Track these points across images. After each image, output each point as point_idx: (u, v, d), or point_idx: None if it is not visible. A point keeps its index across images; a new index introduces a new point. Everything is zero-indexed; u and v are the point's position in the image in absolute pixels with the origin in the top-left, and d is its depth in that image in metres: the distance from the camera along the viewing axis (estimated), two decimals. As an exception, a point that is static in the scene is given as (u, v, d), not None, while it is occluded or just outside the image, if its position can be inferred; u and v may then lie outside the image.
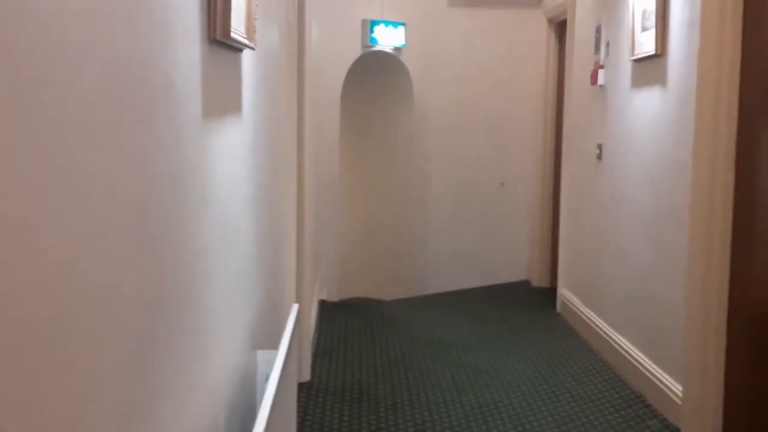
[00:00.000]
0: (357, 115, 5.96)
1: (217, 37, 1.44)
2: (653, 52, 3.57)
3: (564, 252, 5.34)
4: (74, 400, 0.78)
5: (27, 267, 0.67)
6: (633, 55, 3.89)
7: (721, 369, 3.08)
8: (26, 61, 0.67)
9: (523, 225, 6.38)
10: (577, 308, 4.90)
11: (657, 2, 3.53)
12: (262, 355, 2.11)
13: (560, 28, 5.86)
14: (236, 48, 1.70)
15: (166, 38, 1.12)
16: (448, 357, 4.33)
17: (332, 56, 5.41)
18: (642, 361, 3.75)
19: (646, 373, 3.67)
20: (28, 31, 0.67)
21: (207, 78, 1.40)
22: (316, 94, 4.63)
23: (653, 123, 3.67)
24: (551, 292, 5.69)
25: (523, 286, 6.30)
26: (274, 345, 2.15)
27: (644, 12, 3.72)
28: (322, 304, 5.40)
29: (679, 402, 3.29)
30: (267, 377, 1.94)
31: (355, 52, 5.58)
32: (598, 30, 4.63)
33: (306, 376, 3.86)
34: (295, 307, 2.47)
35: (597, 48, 4.65)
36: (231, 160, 1.69)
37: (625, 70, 4.10)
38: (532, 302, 5.76)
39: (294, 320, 2.26)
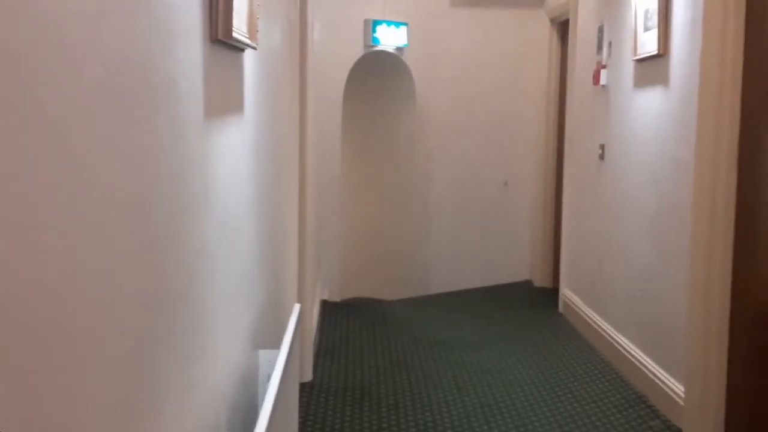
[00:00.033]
0: (359, 115, 5.96)
1: (219, 36, 1.44)
2: (656, 52, 3.57)
3: (566, 252, 5.34)
4: (74, 400, 0.78)
5: (27, 267, 0.67)
6: (635, 54, 3.89)
7: (723, 369, 3.07)
8: (26, 61, 0.67)
9: (525, 225, 6.37)
10: (579, 308, 4.90)
11: (659, 2, 3.53)
12: (263, 354, 2.10)
13: (562, 27, 5.86)
14: (238, 48, 1.70)
15: (167, 38, 1.12)
16: (450, 357, 4.33)
17: (334, 56, 5.41)
18: (644, 362, 3.74)
19: (648, 373, 3.66)
20: (28, 31, 0.67)
21: (209, 78, 1.40)
22: (318, 94, 4.63)
23: (655, 123, 3.67)
24: (553, 292, 5.68)
25: (525, 286, 6.30)
26: (276, 345, 2.15)
27: (647, 12, 3.71)
28: (324, 304, 5.40)
29: (681, 402, 3.28)
30: (269, 377, 1.94)
31: (357, 51, 5.58)
32: (601, 30, 4.62)
33: (308, 376, 3.86)
34: (296, 307, 2.47)
35: (599, 48, 4.64)
36: (233, 160, 1.69)
37: (628, 69, 4.09)
38: (534, 302, 5.76)
39: (296, 320, 2.26)
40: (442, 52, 6.04)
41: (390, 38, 5.63)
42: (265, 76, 2.28)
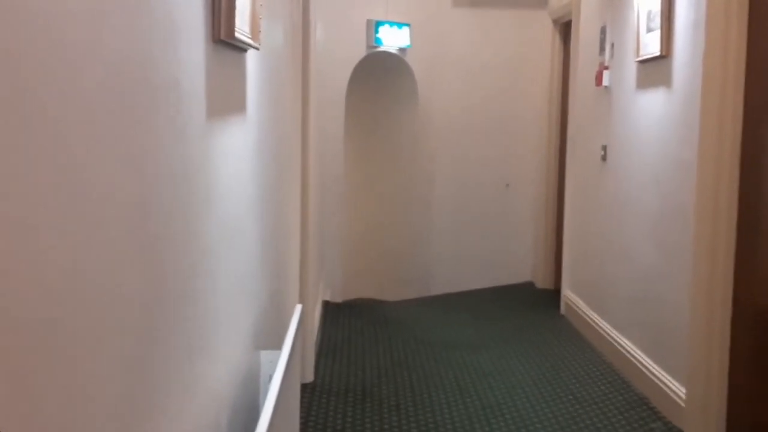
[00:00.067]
0: (361, 116, 5.96)
1: (222, 36, 1.44)
2: (658, 53, 3.57)
3: (568, 253, 5.33)
4: (74, 400, 0.78)
5: (27, 267, 0.67)
6: (638, 56, 3.88)
7: (725, 371, 3.07)
8: (26, 61, 0.67)
9: (528, 226, 6.37)
10: (581, 310, 4.89)
11: (662, 3, 3.53)
12: (265, 355, 2.10)
13: (565, 28, 5.86)
14: (240, 48, 1.70)
15: (169, 38, 1.12)
16: (452, 358, 4.32)
17: (337, 57, 5.41)
18: (646, 363, 3.74)
19: (650, 375, 3.66)
20: (28, 31, 0.67)
21: (211, 78, 1.40)
22: (321, 95, 4.63)
23: (658, 124, 3.66)
24: (555, 293, 5.68)
25: (527, 287, 6.30)
26: (278, 345, 2.15)
27: (649, 13, 3.71)
28: (326, 304, 5.40)
29: (682, 404, 3.28)
30: (270, 378, 1.93)
31: (359, 52, 5.58)
32: (603, 31, 4.62)
33: (309, 377, 3.86)
34: (298, 307, 2.47)
35: (602, 49, 4.64)
36: (235, 160, 1.69)
37: (630, 71, 4.09)
38: (535, 304, 5.75)
39: (297, 321, 2.26)
40: (444, 53, 6.04)
41: (392, 39, 5.63)
42: (267, 76, 2.28)
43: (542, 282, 6.20)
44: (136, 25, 0.98)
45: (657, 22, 3.59)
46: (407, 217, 6.11)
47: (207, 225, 1.40)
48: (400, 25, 5.65)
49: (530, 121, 6.25)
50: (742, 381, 3.00)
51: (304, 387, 3.67)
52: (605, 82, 4.50)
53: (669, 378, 3.47)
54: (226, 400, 1.60)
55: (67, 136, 0.76)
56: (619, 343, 4.14)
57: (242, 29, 1.58)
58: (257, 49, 1.86)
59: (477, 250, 6.29)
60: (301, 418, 3.20)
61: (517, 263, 6.38)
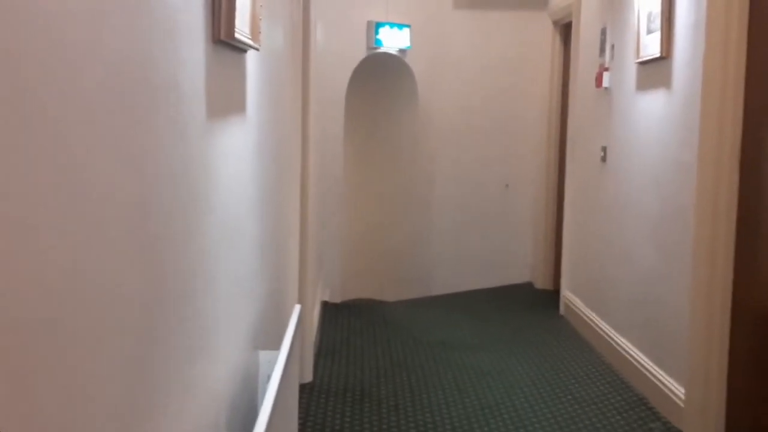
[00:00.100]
0: (361, 117, 5.96)
1: (221, 37, 1.44)
2: (658, 55, 3.57)
3: (568, 254, 5.33)
4: (74, 400, 0.78)
5: (27, 267, 0.67)
6: (638, 57, 3.89)
7: (724, 372, 3.07)
8: (26, 61, 0.67)
9: (527, 227, 6.37)
10: (581, 310, 4.89)
11: (662, 4, 3.53)
12: (263, 355, 2.10)
13: (565, 30, 5.86)
14: (240, 48, 1.70)
15: (169, 38, 1.12)
16: (451, 358, 4.32)
17: (337, 58, 5.41)
18: (645, 364, 3.74)
19: (649, 375, 3.66)
20: (28, 31, 0.67)
21: (211, 78, 1.40)
22: (321, 95, 4.63)
23: (658, 125, 3.67)
24: (554, 294, 5.68)
25: (527, 288, 6.30)
26: (276, 346, 2.15)
27: (649, 14, 3.71)
28: (325, 305, 5.40)
29: (681, 405, 3.28)
30: (269, 378, 1.93)
31: (359, 53, 5.58)
32: (603, 32, 4.62)
33: (308, 377, 3.86)
34: (297, 307, 2.47)
35: (602, 50, 4.64)
36: (235, 160, 1.69)
37: (630, 72, 4.09)
38: (535, 304, 5.75)
39: (296, 321, 2.26)
40: (444, 54, 6.04)
41: (393, 40, 5.63)
42: (267, 77, 2.28)
43: (541, 282, 6.20)
44: (136, 26, 0.98)
45: (657, 23, 3.59)
46: (407, 217, 6.11)
47: (207, 225, 1.40)
48: (400, 26, 5.65)
49: (530, 122, 6.25)
50: (741, 382, 3.00)
51: (303, 387, 3.67)
52: (605, 83, 4.50)
53: (668, 378, 3.47)
54: (225, 400, 1.60)
55: (67, 136, 0.76)
56: (618, 344, 4.14)
57: (242, 30, 1.58)
58: (257, 49, 1.86)
59: (476, 250, 6.29)
60: (300, 418, 3.21)
61: (516, 264, 6.38)
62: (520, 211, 6.37)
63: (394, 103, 6.04)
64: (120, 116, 0.91)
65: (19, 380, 0.65)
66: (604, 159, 4.55)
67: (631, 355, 3.93)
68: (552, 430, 3.35)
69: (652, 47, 3.67)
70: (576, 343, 4.66)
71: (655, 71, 3.71)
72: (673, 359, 3.43)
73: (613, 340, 4.23)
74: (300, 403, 3.19)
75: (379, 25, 5.54)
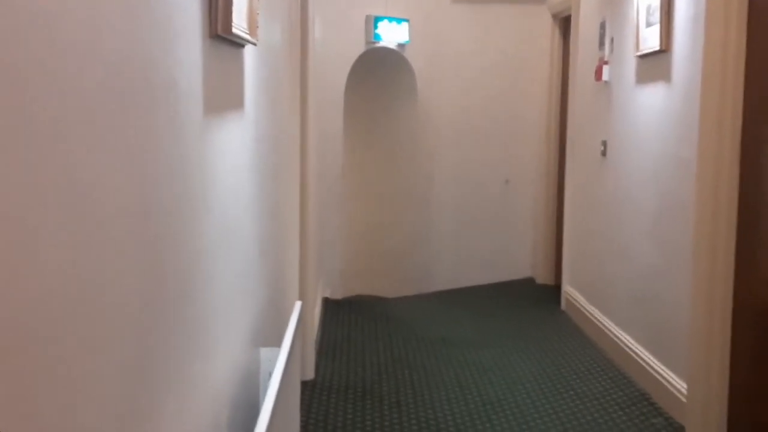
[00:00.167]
0: (360, 112, 5.95)
1: (219, 32, 1.43)
2: (658, 48, 3.56)
3: (568, 249, 5.33)
4: (74, 400, 0.78)
5: (27, 267, 0.67)
6: (638, 50, 3.88)
7: (726, 367, 3.07)
8: (26, 61, 0.66)
9: (527, 222, 6.37)
10: (582, 306, 4.89)
11: (662, -2, 3.52)
12: (264, 353, 2.10)
13: (565, 23, 5.85)
14: (238, 43, 1.69)
15: (166, 33, 1.12)
16: (452, 355, 4.32)
17: (336, 52, 5.40)
18: (646, 359, 3.74)
19: (651, 370, 3.66)
20: (28, 31, 0.66)
21: (208, 74, 1.39)
22: (319, 91, 4.62)
23: (658, 119, 3.66)
24: (555, 289, 5.68)
25: (528, 283, 6.30)
26: (277, 343, 2.15)
27: (649, 7, 3.70)
28: (326, 302, 5.40)
29: (683, 400, 3.28)
30: (270, 375, 1.93)
31: (358, 48, 5.57)
32: (603, 26, 4.61)
33: (310, 374, 3.86)
34: (298, 304, 2.47)
35: (601, 44, 4.63)
36: (233, 157, 1.69)
37: (630, 65, 4.08)
38: (536, 300, 5.75)
39: (297, 318, 2.25)
40: (443, 49, 6.04)
41: (392, 35, 5.62)
42: (265, 72, 2.27)
43: (542, 278, 6.20)
44: (134, 21, 0.97)
45: (656, 16, 3.58)
46: (407, 213, 6.11)
47: (205, 223, 1.40)
48: (399, 20, 5.64)
49: (530, 117, 6.25)
50: (743, 377, 3.00)
51: (305, 384, 3.67)
52: (605, 76, 4.49)
53: (670, 374, 3.47)
54: (226, 398, 1.60)
55: (67, 136, 0.75)
56: (619, 339, 4.14)
57: (240, 25, 1.58)
58: (255, 44, 1.85)
59: (477, 246, 6.29)
60: (302, 415, 3.21)
61: (517, 259, 6.38)
62: (520, 206, 6.36)
63: (393, 98, 6.04)
64: (119, 114, 0.91)
65: (19, 380, 0.65)
66: (604, 153, 4.54)
67: (632, 351, 3.93)
68: (554, 425, 3.35)
69: (651, 40, 3.66)
70: (577, 338, 4.66)
71: (654, 64, 3.71)
72: (674, 355, 3.43)
73: (614, 335, 4.23)
74: (302, 400, 3.19)
75: (377, 19, 5.53)
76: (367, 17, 5.52)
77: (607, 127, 4.50)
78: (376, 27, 5.52)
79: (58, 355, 0.73)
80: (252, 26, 1.74)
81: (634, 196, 3.99)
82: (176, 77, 1.17)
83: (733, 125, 3.00)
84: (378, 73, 5.87)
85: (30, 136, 0.67)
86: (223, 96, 1.58)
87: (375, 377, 3.94)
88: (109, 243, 0.87)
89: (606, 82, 4.50)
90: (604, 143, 4.53)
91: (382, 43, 5.62)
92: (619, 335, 4.15)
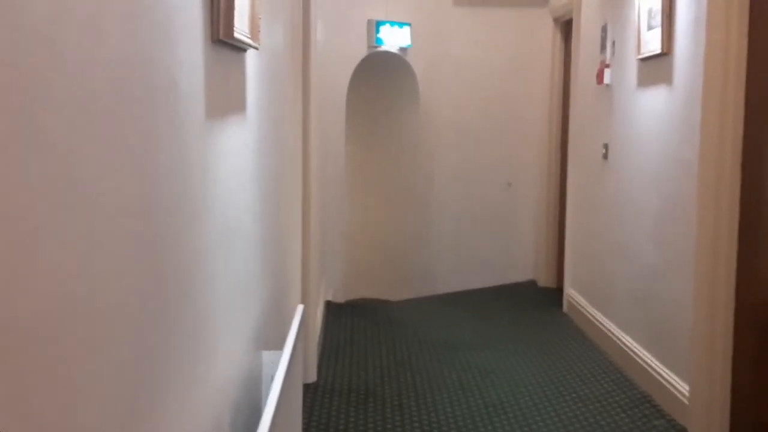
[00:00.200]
0: (362, 115, 5.96)
1: (221, 36, 1.43)
2: (659, 51, 3.56)
3: (570, 252, 5.33)
4: (74, 400, 0.78)
5: (27, 267, 0.67)
6: (639, 54, 3.88)
7: (728, 368, 3.07)
8: (26, 61, 0.67)
9: (529, 225, 6.36)
10: (584, 308, 4.89)
11: (663, 1, 3.52)
12: (267, 355, 2.10)
13: (566, 27, 5.85)
14: (240, 48, 1.70)
15: (168, 38, 1.12)
16: (455, 357, 4.32)
17: (337, 56, 5.41)
18: (649, 361, 3.73)
19: (653, 373, 3.65)
20: (28, 31, 0.67)
21: (210, 78, 1.40)
22: (322, 95, 4.63)
23: (659, 122, 3.66)
24: (557, 292, 5.67)
25: (530, 286, 6.29)
26: (279, 346, 2.15)
27: (650, 11, 3.71)
28: (328, 304, 5.40)
29: (686, 402, 3.27)
30: (272, 378, 1.93)
31: (360, 52, 5.58)
32: (604, 29, 4.61)
33: (312, 377, 3.86)
34: (300, 307, 2.47)
35: (603, 47, 4.64)
36: (234, 160, 1.69)
37: (631, 69, 4.09)
38: (538, 302, 5.75)
39: (299, 321, 2.26)
40: (445, 52, 6.04)
41: (393, 38, 5.63)
42: (267, 76, 2.27)
43: (544, 280, 6.20)
44: (135, 25, 0.98)
45: (658, 19, 3.58)
46: (409, 216, 6.11)
47: (206, 225, 1.40)
48: (401, 24, 5.65)
49: (531, 119, 6.25)
50: (745, 379, 2.99)
51: (307, 387, 3.67)
52: (606, 80, 4.49)
53: (672, 376, 3.46)
54: (228, 401, 1.60)
55: (67, 136, 0.76)
56: (622, 341, 4.13)
57: (241, 29, 1.58)
58: (257, 49, 1.85)
59: (479, 249, 6.28)
60: (304, 418, 3.20)
61: (519, 262, 6.37)
62: (522, 208, 6.36)
63: (395, 102, 6.04)
64: (121, 116, 0.91)
65: (19, 380, 0.65)
66: (605, 156, 4.54)
67: (635, 353, 3.92)
68: (556, 428, 3.34)
69: (652, 43, 3.66)
70: (579, 341, 4.66)
71: (656, 67, 3.71)
72: (677, 357, 3.43)
73: (616, 337, 4.22)
74: (304, 403, 3.19)
75: (379, 23, 5.53)
76: (369, 22, 5.53)
77: (608, 130, 4.50)
78: (377, 31, 5.53)
79: (58, 355, 0.74)
80: (254, 30, 1.75)
81: (635, 199, 3.99)
82: (177, 80, 1.17)
83: (735, 127, 3.00)
84: (380, 75, 5.88)
85: (30, 137, 0.68)
86: (225, 99, 1.59)
87: (377, 380, 3.94)
88: (110, 243, 0.88)
89: (607, 85, 4.50)
90: (606, 146, 4.53)
91: (384, 47, 5.63)
92: (621, 337, 4.15)
